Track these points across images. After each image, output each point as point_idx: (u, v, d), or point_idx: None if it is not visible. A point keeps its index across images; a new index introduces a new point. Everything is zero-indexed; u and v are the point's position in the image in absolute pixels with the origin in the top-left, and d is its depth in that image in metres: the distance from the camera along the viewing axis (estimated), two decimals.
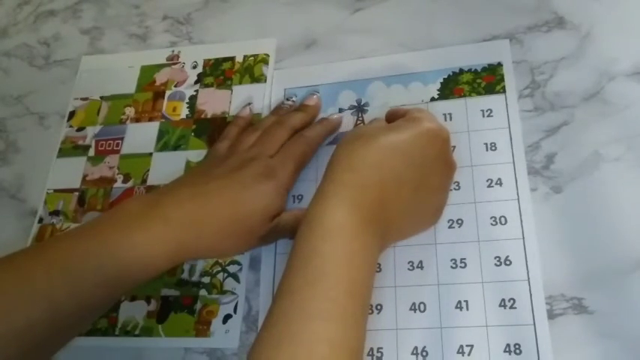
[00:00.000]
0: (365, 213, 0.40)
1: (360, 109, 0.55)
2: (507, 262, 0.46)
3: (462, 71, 0.54)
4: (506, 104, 0.51)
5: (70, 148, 0.62)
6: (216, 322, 0.50)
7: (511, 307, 0.44)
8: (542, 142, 0.49)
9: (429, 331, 0.45)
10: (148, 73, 0.63)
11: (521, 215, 0.47)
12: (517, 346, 0.43)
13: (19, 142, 0.64)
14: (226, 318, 0.50)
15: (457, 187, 0.49)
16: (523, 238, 0.46)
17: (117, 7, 0.69)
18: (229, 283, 0.51)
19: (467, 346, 0.44)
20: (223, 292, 0.51)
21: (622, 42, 0.51)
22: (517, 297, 0.45)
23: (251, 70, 0.60)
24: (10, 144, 0.65)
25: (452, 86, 0.53)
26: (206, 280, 0.51)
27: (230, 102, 0.59)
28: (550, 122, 0.50)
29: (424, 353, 0.44)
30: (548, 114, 0.50)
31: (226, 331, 0.49)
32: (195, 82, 0.61)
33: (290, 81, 0.58)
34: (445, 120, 0.52)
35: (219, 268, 0.52)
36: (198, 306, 0.51)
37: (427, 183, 0.44)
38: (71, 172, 0.60)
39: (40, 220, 0.58)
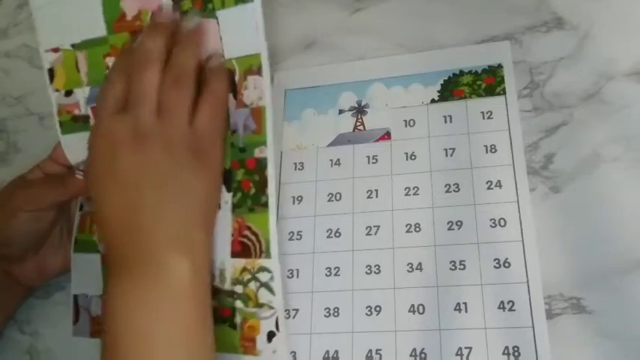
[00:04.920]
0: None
1: (360, 110, 0.55)
2: (506, 265, 0.46)
3: (462, 73, 0.53)
4: (507, 106, 0.51)
5: (69, 121, 0.52)
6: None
7: (510, 310, 0.45)
8: (541, 142, 0.49)
9: (428, 333, 0.45)
10: (111, 3, 0.49)
11: (520, 217, 0.47)
12: (516, 349, 0.43)
13: (19, 142, 0.65)
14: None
15: (457, 189, 0.49)
16: (522, 240, 0.46)
17: None
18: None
19: (465, 348, 0.44)
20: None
21: (621, 42, 0.51)
22: (516, 299, 0.45)
23: None
24: (11, 144, 0.65)
25: (452, 88, 0.53)
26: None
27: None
28: (549, 122, 0.50)
29: (422, 355, 0.45)
30: (547, 114, 0.50)
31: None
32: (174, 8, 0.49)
33: (290, 81, 0.58)
34: (445, 122, 0.52)
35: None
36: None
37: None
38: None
39: None
